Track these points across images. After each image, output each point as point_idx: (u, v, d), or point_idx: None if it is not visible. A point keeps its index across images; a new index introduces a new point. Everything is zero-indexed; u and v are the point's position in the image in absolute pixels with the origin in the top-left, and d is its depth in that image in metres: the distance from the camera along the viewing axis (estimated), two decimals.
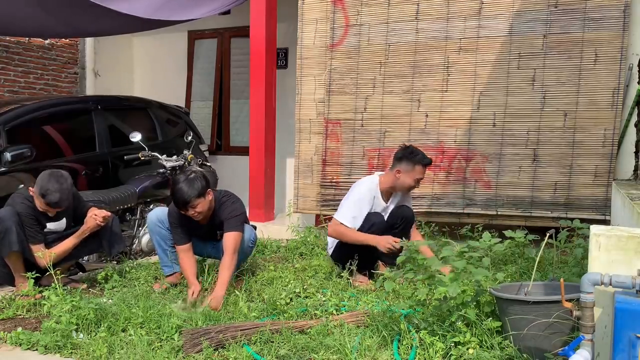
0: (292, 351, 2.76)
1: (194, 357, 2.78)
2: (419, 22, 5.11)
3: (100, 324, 3.12)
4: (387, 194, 4.05)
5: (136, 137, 5.35)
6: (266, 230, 5.35)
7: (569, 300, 2.24)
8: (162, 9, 5.89)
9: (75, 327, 3.07)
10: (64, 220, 4.03)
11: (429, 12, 5.08)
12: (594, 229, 2.31)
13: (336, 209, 4.10)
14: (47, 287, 3.59)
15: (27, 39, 7.65)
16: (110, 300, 3.53)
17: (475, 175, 5.00)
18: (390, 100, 5.24)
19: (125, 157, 5.52)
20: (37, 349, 2.97)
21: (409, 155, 3.94)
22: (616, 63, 4.58)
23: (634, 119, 4.61)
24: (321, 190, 5.50)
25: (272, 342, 2.85)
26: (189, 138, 5.95)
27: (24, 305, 3.56)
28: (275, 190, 6.17)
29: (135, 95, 7.83)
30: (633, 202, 3.10)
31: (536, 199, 4.83)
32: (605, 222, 4.35)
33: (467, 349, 2.56)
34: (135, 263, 4.57)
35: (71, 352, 2.91)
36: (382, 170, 4.52)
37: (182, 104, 7.99)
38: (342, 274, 3.90)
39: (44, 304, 3.34)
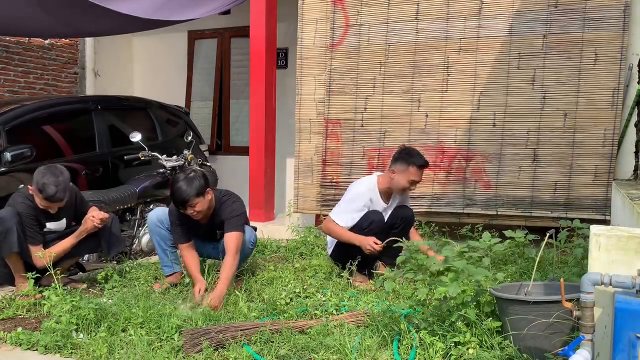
0: (292, 351, 2.76)
1: (194, 357, 2.78)
2: (419, 22, 5.11)
3: (100, 324, 3.12)
4: (386, 195, 4.05)
5: (136, 137, 5.35)
6: (266, 230, 5.35)
7: (569, 300, 2.24)
8: (162, 9, 5.88)
9: (75, 327, 3.07)
10: (64, 220, 4.03)
11: (429, 12, 5.08)
12: (594, 229, 2.31)
13: None
14: (47, 287, 3.59)
15: (27, 39, 7.64)
16: (110, 300, 3.53)
17: (475, 175, 5.00)
18: (390, 100, 5.24)
19: (125, 157, 5.53)
20: (37, 349, 2.97)
21: (404, 156, 3.94)
22: (616, 63, 4.57)
23: (634, 119, 4.61)
24: (321, 190, 5.49)
25: (272, 342, 2.85)
26: (189, 138, 5.96)
27: (24, 305, 3.56)
28: (275, 190, 6.17)
29: (135, 95, 7.84)
30: (633, 202, 3.10)
31: (536, 199, 4.83)
32: (606, 222, 4.35)
33: (467, 349, 2.56)
34: (135, 263, 4.57)
35: (71, 352, 2.91)
36: (382, 171, 4.52)
37: (182, 104, 7.99)
38: (342, 274, 3.90)
39: (44, 304, 3.34)
